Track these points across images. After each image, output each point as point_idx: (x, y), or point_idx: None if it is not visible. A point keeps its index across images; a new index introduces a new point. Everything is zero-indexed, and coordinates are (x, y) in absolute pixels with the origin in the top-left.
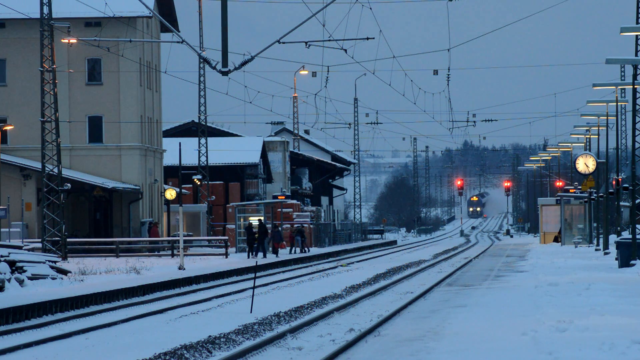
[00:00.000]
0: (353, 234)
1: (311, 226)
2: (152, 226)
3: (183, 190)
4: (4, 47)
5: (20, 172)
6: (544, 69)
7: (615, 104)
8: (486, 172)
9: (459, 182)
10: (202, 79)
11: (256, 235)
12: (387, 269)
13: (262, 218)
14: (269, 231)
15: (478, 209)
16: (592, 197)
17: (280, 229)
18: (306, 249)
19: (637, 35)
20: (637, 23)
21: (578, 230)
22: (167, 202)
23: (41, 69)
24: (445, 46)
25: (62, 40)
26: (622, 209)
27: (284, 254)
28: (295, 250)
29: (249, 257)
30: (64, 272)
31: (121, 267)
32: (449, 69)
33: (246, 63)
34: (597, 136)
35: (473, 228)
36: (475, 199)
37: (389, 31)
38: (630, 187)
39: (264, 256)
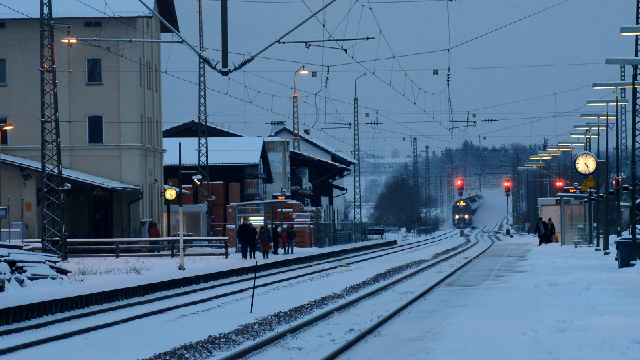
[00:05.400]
0: (353, 234)
1: (311, 226)
2: (152, 226)
3: (183, 190)
4: (4, 47)
5: (20, 172)
6: (544, 69)
7: (615, 104)
8: (486, 172)
9: (459, 182)
10: (202, 79)
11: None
12: (387, 269)
13: (248, 220)
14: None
15: (466, 216)
16: (592, 197)
17: (280, 228)
18: (271, 251)
19: (637, 35)
20: (637, 23)
21: (578, 230)
22: (167, 202)
23: (41, 69)
24: (445, 46)
25: (62, 40)
26: (622, 209)
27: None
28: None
29: (243, 258)
30: (64, 272)
31: (121, 267)
32: (449, 69)
33: (246, 63)
34: (597, 136)
35: (473, 228)
36: (462, 204)
37: (389, 31)
38: (630, 187)
39: (244, 257)
